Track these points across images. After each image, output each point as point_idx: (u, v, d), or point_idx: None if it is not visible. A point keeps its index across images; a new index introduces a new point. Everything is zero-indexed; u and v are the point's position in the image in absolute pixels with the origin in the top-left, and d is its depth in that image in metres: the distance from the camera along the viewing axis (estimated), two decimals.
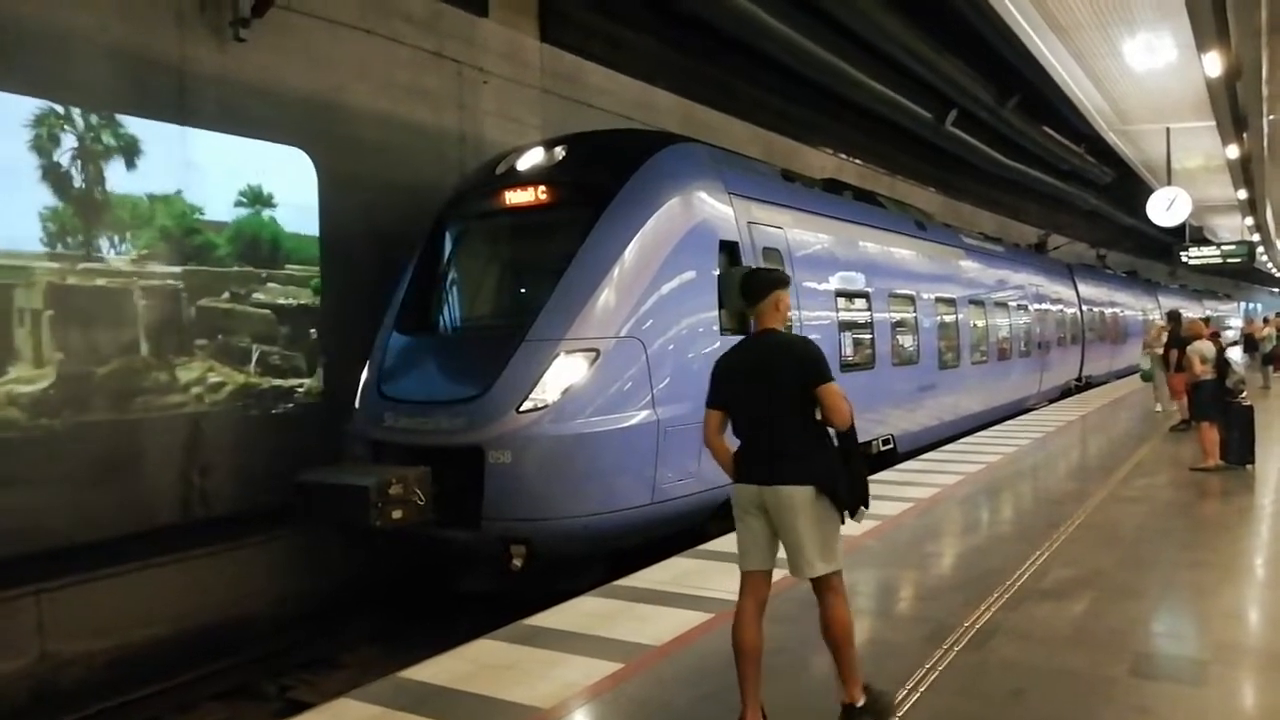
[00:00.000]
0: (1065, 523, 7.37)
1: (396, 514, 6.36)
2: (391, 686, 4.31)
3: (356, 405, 7.58)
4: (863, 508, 3.77)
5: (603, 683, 4.29)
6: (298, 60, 8.95)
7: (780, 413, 3.71)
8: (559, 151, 8.07)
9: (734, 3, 12.37)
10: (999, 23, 12.59)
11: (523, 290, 8.12)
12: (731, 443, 3.88)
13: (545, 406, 6.60)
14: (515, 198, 7.92)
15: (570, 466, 6.67)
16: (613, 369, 6.86)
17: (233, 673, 6.89)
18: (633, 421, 6.85)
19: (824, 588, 3.72)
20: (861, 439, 10.18)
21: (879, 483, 9.35)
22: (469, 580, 7.22)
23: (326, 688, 6.25)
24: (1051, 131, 22.31)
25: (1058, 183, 27.67)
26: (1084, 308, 21.77)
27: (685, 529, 7.29)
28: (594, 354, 6.79)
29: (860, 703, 3.74)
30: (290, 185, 8.95)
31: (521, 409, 6.59)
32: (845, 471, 3.72)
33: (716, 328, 7.61)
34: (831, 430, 3.78)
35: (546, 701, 4.07)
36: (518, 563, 6.49)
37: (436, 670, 4.48)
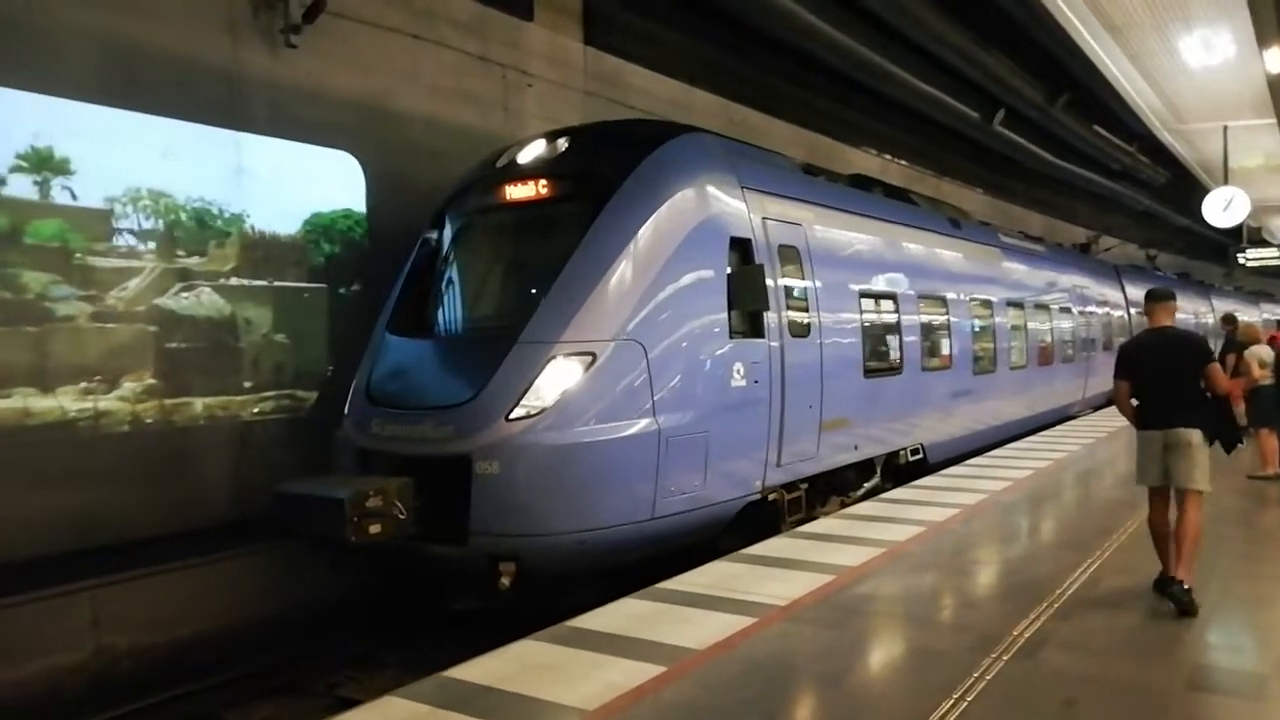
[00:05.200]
0: (1117, 530, 7.20)
1: (374, 529, 5.99)
2: (436, 685, 4.35)
3: (345, 411, 7.24)
4: (1239, 445, 5.75)
5: (645, 685, 4.28)
6: (346, 65, 9.09)
7: (1181, 382, 5.48)
8: (561, 143, 7.66)
9: (777, 2, 12.30)
10: (1049, 21, 12.37)
11: (518, 290, 7.58)
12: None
13: (537, 414, 6.20)
14: (514, 192, 7.53)
15: (563, 478, 6.26)
16: (610, 374, 6.45)
17: (281, 669, 6.95)
18: (631, 431, 6.42)
19: (1192, 499, 5.36)
20: (887, 448, 9.70)
21: (922, 488, 9.24)
22: (460, 598, 6.87)
23: (373, 685, 6.31)
24: (1103, 131, 21.81)
25: (1109, 183, 27.04)
26: (1133, 311, 21.06)
27: (691, 546, 6.92)
28: (590, 358, 6.37)
29: (1187, 585, 5.20)
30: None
31: (511, 416, 6.20)
32: (1220, 421, 5.56)
33: (726, 330, 7.19)
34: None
35: (589, 703, 4.07)
36: (506, 581, 6.11)
37: (480, 669, 4.51)
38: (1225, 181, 18.98)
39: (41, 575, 6.35)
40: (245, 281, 8.35)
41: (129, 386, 7.51)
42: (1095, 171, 25.50)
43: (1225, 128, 17.57)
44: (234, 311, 8.26)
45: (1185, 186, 26.55)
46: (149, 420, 7.62)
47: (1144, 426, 5.61)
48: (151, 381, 7.64)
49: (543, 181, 7.39)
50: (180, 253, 7.93)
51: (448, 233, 8.00)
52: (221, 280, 8.18)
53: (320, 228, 9.02)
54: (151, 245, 7.76)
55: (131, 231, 7.67)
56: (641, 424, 6.46)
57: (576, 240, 6.79)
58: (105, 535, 7.18)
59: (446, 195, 8.18)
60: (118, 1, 7.41)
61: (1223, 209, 18.60)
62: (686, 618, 5.23)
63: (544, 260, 7.09)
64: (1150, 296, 5.88)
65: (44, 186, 7.14)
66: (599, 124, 8.91)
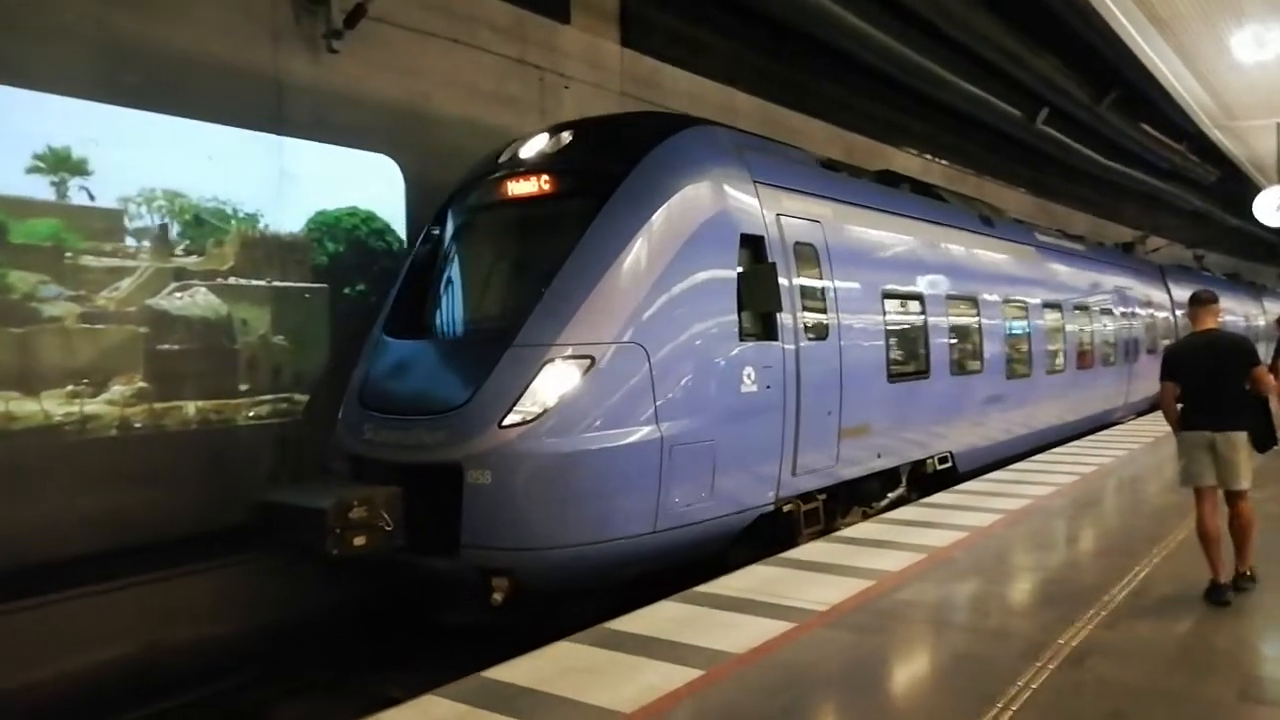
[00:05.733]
0: (1167, 537, 7.04)
1: (359, 541, 5.73)
2: (476, 685, 4.37)
3: (339, 415, 6.95)
4: (1274, 445, 5.67)
5: (683, 689, 4.27)
6: (386, 70, 9.19)
7: (1227, 384, 5.58)
8: (565, 136, 7.34)
9: (819, 4, 12.21)
10: (1095, 18, 12.14)
11: (516, 290, 7.17)
12: None
13: (531, 421, 5.89)
14: (515, 188, 7.21)
15: (559, 489, 5.98)
16: (610, 379, 6.13)
17: (315, 665, 6.90)
18: (632, 439, 6.09)
19: (1240, 497, 5.58)
20: (913, 457, 9.35)
21: (965, 493, 9.11)
22: (454, 612, 6.49)
23: (412, 683, 6.31)
24: (1150, 129, 21.37)
25: (1157, 182, 26.47)
26: (1178, 312, 20.43)
27: (699, 560, 6.65)
28: (588, 361, 6.06)
29: (1248, 572, 5.63)
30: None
31: (504, 423, 5.89)
32: (1259, 422, 5.61)
33: (736, 332, 6.84)
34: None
35: (628, 705, 4.07)
36: (498, 597, 5.83)
37: (520, 671, 4.53)
38: (1278, 180, 18.48)
39: None
40: (293, 284, 8.46)
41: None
42: (1142, 170, 24.98)
43: (1278, 124, 17.11)
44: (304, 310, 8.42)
45: (1236, 185, 25.91)
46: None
47: (1188, 428, 5.71)
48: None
49: (543, 177, 7.09)
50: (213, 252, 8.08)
51: (448, 230, 7.74)
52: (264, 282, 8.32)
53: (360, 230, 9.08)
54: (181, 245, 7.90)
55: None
56: (643, 432, 6.15)
57: (576, 238, 6.49)
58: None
59: (450, 191, 7.95)
60: (168, 12, 7.58)
61: (1275, 208, 18.07)
62: (725, 622, 5.21)
63: (543, 259, 6.77)
64: (1194, 300, 5.98)
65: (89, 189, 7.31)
66: (604, 117, 8.45)
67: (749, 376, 6.89)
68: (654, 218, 6.57)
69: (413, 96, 9.46)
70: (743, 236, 7.10)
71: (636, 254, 6.44)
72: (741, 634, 4.96)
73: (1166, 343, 19.02)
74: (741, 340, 6.87)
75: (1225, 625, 5.10)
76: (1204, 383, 5.64)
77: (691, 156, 7.11)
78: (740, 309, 6.89)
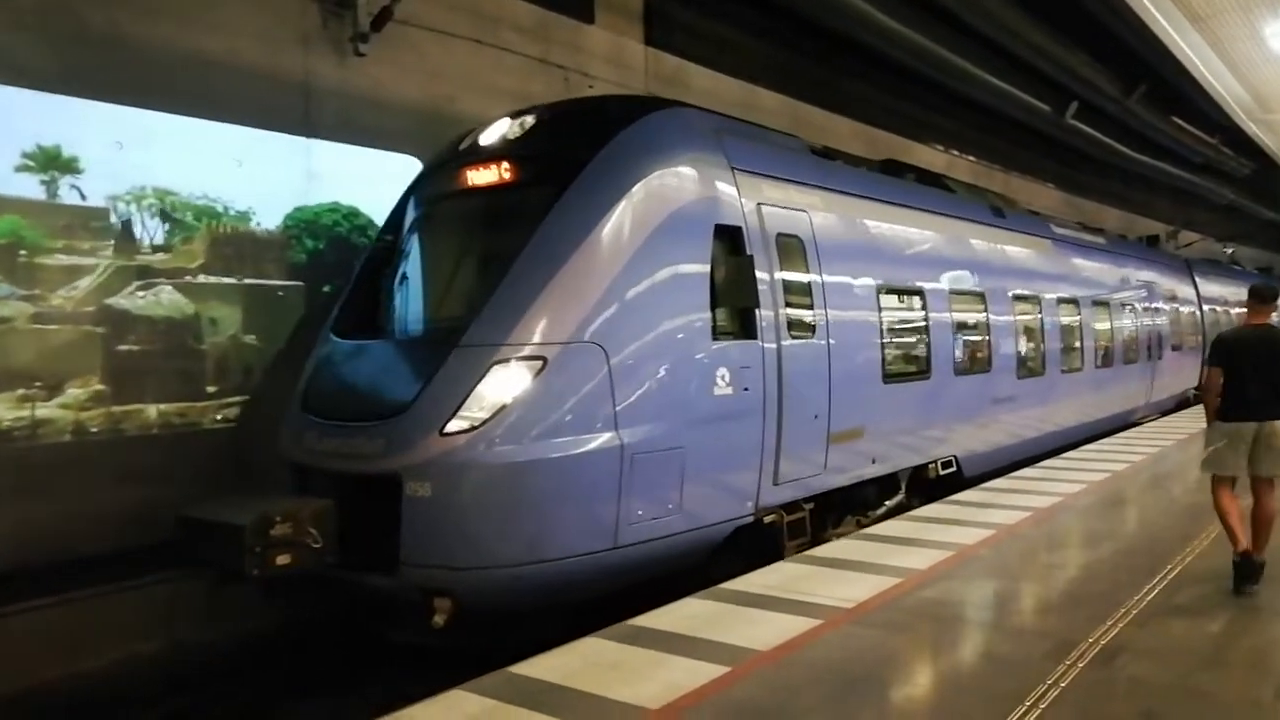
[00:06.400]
0: (1200, 536, 6.94)
1: (283, 559, 5.33)
2: (503, 680, 4.40)
3: (284, 421, 6.49)
4: None
5: (709, 685, 4.28)
6: (412, 71, 9.29)
7: (1275, 376, 5.65)
8: (528, 120, 6.86)
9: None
10: (1126, 12, 12.01)
11: (467, 286, 6.68)
12: None
13: (475, 428, 5.42)
14: (472, 177, 6.75)
15: (506, 502, 5.51)
16: (564, 382, 5.65)
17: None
18: (588, 447, 5.61)
19: (1269, 485, 5.70)
20: (913, 461, 8.90)
21: (993, 490, 9.03)
22: (400, 629, 5.98)
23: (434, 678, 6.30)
24: (1182, 123, 21.06)
25: (1190, 176, 26.09)
26: (1205, 308, 19.91)
27: (670, 575, 6.15)
28: (540, 363, 5.59)
29: (1262, 559, 5.63)
30: None
31: (446, 431, 5.43)
32: None
33: (708, 331, 6.35)
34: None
35: (653, 702, 4.08)
36: (439, 620, 5.37)
37: (546, 666, 4.55)
38: None
39: None
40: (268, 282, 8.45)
41: None
42: (1174, 164, 24.63)
43: None
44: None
45: (1271, 178, 25.51)
46: None
47: (1227, 418, 5.79)
48: None
49: (501, 165, 6.61)
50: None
51: (404, 223, 7.28)
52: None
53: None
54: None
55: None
56: (600, 439, 5.66)
57: (533, 230, 6.00)
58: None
59: (411, 182, 7.55)
60: (202, 20, 7.72)
61: None
62: (750, 618, 5.20)
63: (498, 253, 6.29)
64: (1253, 294, 6.10)
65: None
66: (572, 100, 7.81)
67: (723, 378, 6.40)
68: (617, 207, 6.07)
69: (437, 99, 9.55)
70: (717, 227, 6.60)
71: (596, 247, 5.95)
72: (766, 631, 4.96)
73: (1193, 339, 18.83)
74: (715, 339, 6.39)
75: (1259, 624, 5.03)
76: (1254, 374, 5.70)
77: (660, 141, 6.60)
78: (714, 306, 6.42)
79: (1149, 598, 5.48)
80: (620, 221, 6.07)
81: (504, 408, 5.47)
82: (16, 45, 6.79)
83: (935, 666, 4.76)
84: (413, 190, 7.39)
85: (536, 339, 5.65)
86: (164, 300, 7.71)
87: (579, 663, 4.59)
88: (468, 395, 5.50)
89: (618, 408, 5.74)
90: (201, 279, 8.00)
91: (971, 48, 14.99)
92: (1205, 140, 22.65)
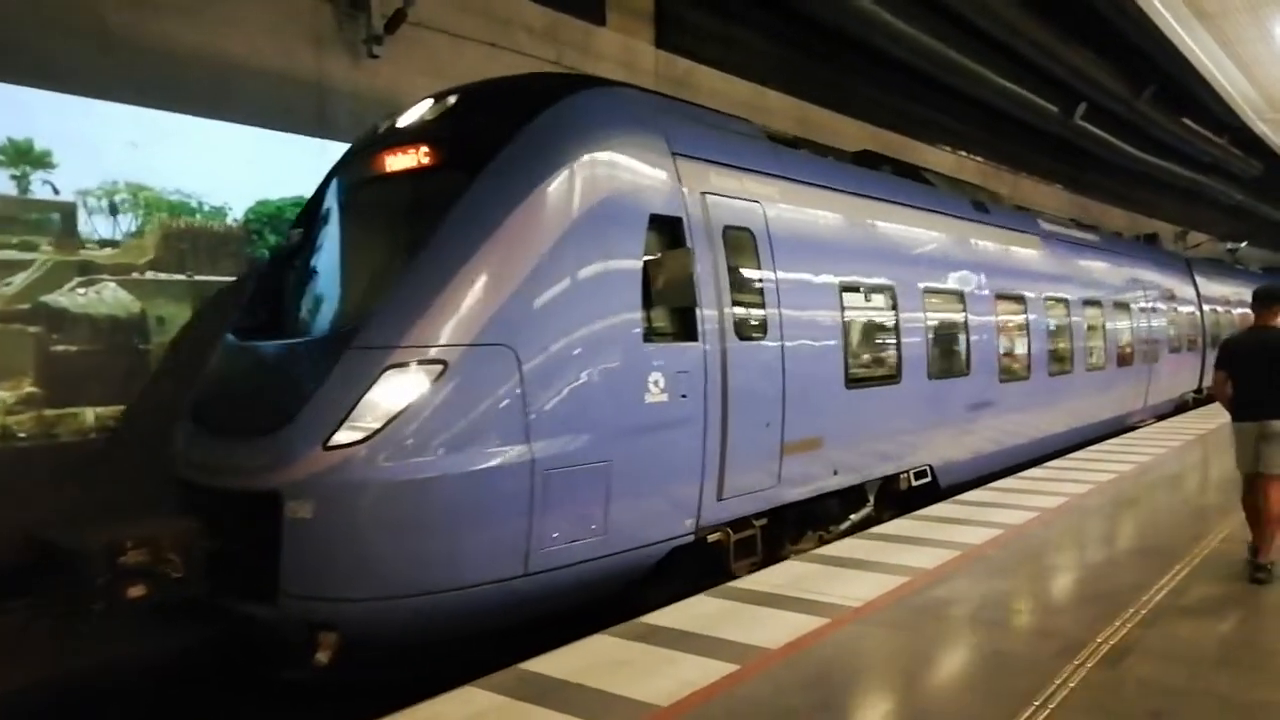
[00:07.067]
0: (1209, 536, 6.95)
1: (135, 591, 4.73)
2: (514, 677, 4.44)
3: (175, 432, 5.86)
4: None
5: (718, 683, 4.31)
6: (425, 73, 9.33)
7: (1276, 378, 5.89)
8: (449, 101, 6.35)
9: (851, 1, 12.19)
10: (1133, 11, 12.00)
11: (366, 284, 6.05)
12: None
13: (363, 441, 4.84)
14: (384, 163, 6.20)
15: (396, 525, 4.92)
16: (467, 388, 5.07)
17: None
18: (493, 462, 5.04)
19: (1275, 483, 5.90)
20: (881, 472, 8.47)
21: (999, 490, 9.04)
22: (292, 666, 5.11)
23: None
24: (1191, 123, 21.04)
25: (1197, 176, 26.05)
26: (1205, 308, 19.43)
27: (594, 604, 5.63)
28: (439, 368, 5.02)
29: (1271, 563, 5.84)
30: None
31: (330, 444, 4.84)
32: None
33: (639, 332, 5.77)
34: None
35: (664, 699, 4.12)
36: (322, 657, 4.79)
37: (557, 664, 4.59)
38: None
39: None
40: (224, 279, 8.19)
41: None
42: (1182, 165, 24.60)
43: None
44: None
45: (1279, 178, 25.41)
46: None
47: (1237, 418, 6.14)
48: None
49: (416, 149, 6.04)
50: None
51: (316, 214, 6.72)
52: None
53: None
54: None
55: None
56: (509, 453, 5.10)
57: (440, 220, 5.43)
58: None
59: (330, 169, 7.03)
60: (215, 20, 7.79)
61: None
62: (759, 617, 5.24)
63: (402, 246, 5.76)
64: (1256, 297, 6.32)
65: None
66: (498, 78, 7.17)
67: (656, 384, 5.84)
68: (533, 194, 5.49)
69: None
70: (653, 218, 6.02)
71: (508, 238, 5.36)
72: (775, 629, 4.99)
73: (1192, 340, 18.44)
74: (647, 341, 5.83)
75: (1270, 626, 5.05)
76: (1254, 375, 6.00)
77: (588, 121, 6.00)
78: (647, 304, 5.85)
79: (1157, 598, 5.49)
80: (537, 210, 5.50)
81: (397, 418, 4.89)
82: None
83: (943, 666, 4.79)
84: (328, 178, 6.80)
85: (437, 341, 5.08)
86: (106, 298, 7.33)
87: (589, 660, 4.63)
88: (356, 404, 4.91)
89: (530, 418, 5.19)
90: (150, 275, 7.65)
91: (980, 49, 15.02)
92: (1213, 140, 22.62)
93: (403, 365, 4.99)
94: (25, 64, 6.84)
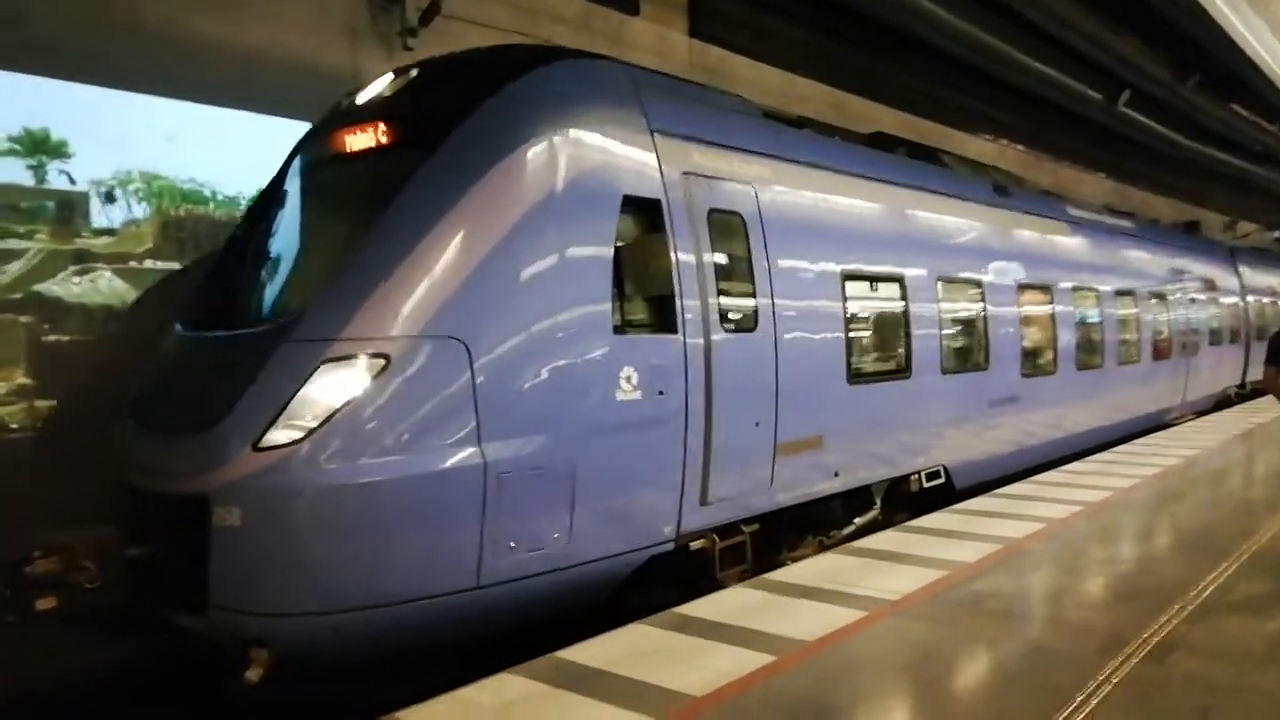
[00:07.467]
0: (1258, 532, 6.78)
1: (46, 603, 4.51)
2: (551, 665, 4.45)
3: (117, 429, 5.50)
4: None
5: (754, 675, 4.29)
6: None
7: None
8: (411, 74, 6.01)
9: None
10: None
11: (313, 270, 5.64)
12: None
13: (297, 442, 4.49)
14: (339, 142, 5.81)
15: (331, 533, 4.55)
16: (412, 385, 4.71)
17: None
18: (441, 465, 4.69)
19: None
20: (889, 473, 8.11)
21: (1042, 484, 8.89)
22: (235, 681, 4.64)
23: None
24: (1240, 110, 20.50)
25: (1247, 165, 25.40)
26: (1249, 299, 18.56)
27: (558, 618, 5.21)
28: (382, 362, 4.65)
29: None
30: None
31: (261, 445, 4.49)
32: None
33: (608, 323, 5.36)
34: None
35: (699, 689, 4.11)
36: (252, 675, 4.44)
37: (593, 652, 4.60)
38: None
39: None
40: None
41: None
42: (1231, 153, 24.00)
43: None
44: None
45: None
46: None
47: None
48: None
49: (373, 127, 5.64)
50: None
51: (271, 196, 6.37)
52: None
53: None
54: None
55: None
56: (459, 455, 4.72)
57: (390, 202, 5.05)
58: None
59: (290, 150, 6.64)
60: (252, 15, 7.88)
61: None
62: (795, 610, 5.20)
63: (349, 230, 5.32)
64: None
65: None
66: (464, 51, 6.61)
67: (629, 380, 5.42)
68: (490, 173, 5.09)
69: None
70: (626, 199, 5.58)
71: (462, 221, 4.97)
72: (811, 621, 4.95)
73: (1234, 330, 17.66)
74: (618, 333, 5.41)
75: None
76: None
77: (554, 96, 5.55)
78: (620, 293, 5.47)
79: (1205, 594, 5.36)
80: (494, 191, 5.08)
81: (334, 417, 4.54)
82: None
83: (982, 660, 4.72)
84: (287, 160, 6.39)
85: (378, 332, 4.71)
86: (102, 287, 7.12)
87: (625, 649, 4.63)
88: (288, 401, 4.55)
89: (481, 416, 4.78)
90: (148, 264, 7.47)
91: (1019, 34, 14.74)
92: (1264, 127, 22.03)
93: (341, 359, 4.64)
94: (72, 61, 6.98)
